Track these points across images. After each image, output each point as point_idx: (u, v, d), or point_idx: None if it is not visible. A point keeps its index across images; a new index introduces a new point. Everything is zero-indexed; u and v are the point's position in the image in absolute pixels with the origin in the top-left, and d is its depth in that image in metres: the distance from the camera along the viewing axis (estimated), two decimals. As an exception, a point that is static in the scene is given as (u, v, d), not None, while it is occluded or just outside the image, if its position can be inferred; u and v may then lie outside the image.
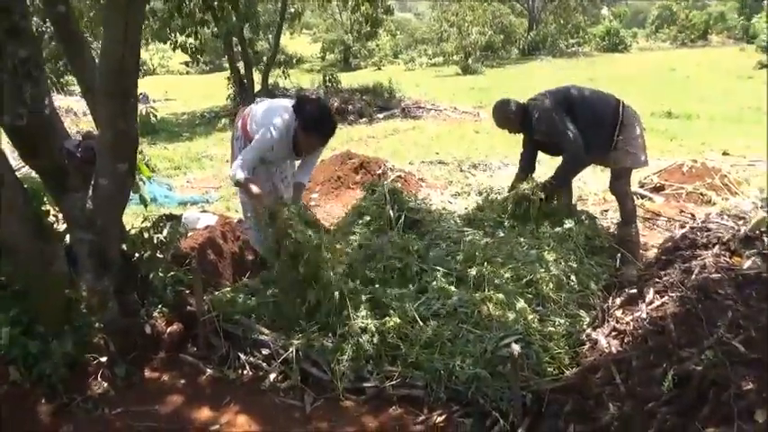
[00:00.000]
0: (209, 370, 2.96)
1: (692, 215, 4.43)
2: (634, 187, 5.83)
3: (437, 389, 2.60)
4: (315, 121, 3.40)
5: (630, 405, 2.19)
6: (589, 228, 4.00)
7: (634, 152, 3.91)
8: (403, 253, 3.42)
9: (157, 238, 3.14)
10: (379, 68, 26.74)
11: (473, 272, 3.27)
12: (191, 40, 11.97)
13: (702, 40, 29.24)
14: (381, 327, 2.84)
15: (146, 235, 3.14)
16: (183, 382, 2.89)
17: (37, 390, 2.60)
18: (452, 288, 3.13)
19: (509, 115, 4.10)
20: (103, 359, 2.81)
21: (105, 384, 2.76)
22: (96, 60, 3.18)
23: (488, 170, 6.93)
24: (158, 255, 3.12)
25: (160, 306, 3.12)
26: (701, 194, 5.36)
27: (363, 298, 3.02)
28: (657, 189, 5.59)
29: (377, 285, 3.17)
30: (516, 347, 2.40)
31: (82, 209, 2.92)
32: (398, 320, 2.84)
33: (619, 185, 4.07)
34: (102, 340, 2.87)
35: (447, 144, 8.86)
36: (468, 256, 3.41)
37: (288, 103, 3.55)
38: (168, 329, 3.07)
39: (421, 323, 2.86)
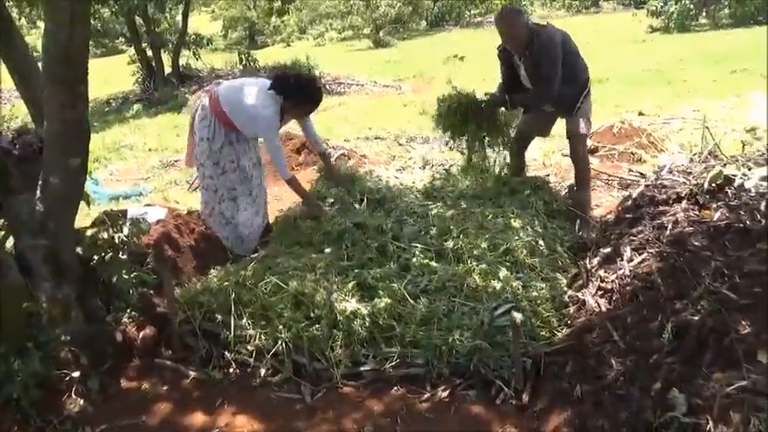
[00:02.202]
0: (191, 372, 2.80)
1: (641, 173, 4.66)
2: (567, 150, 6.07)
3: (438, 365, 2.60)
4: (307, 92, 3.63)
5: (633, 360, 2.28)
6: (546, 193, 4.12)
7: (590, 121, 4.07)
8: (377, 232, 3.36)
9: (118, 237, 2.89)
10: (288, 45, 25.98)
11: (450, 245, 3.27)
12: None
13: (595, 6, 30.63)
14: (372, 309, 2.78)
15: (104, 235, 2.89)
16: (165, 388, 2.72)
17: (6, 416, 2.33)
18: (434, 263, 3.12)
19: (521, 27, 3.77)
20: (75, 374, 2.56)
21: (81, 401, 2.53)
22: (27, 44, 2.86)
23: (426, 143, 6.95)
24: (120, 255, 2.88)
25: (128, 310, 2.90)
26: (632, 153, 5.66)
27: (349, 282, 2.95)
28: (591, 151, 5.82)
29: (356, 270, 3.09)
30: (519, 315, 2.44)
31: (31, 212, 2.63)
32: (389, 301, 2.80)
33: (580, 151, 4.19)
34: (69, 353, 2.62)
35: (378, 119, 8.78)
36: (441, 230, 3.40)
37: (258, 82, 3.67)
38: (141, 334, 2.86)
39: (412, 301, 2.83)
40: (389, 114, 9.13)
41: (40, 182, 2.64)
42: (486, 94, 4.20)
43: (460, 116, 4.10)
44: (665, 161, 5.31)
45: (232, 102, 3.58)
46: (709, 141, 4.69)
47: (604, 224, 3.91)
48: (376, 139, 7.39)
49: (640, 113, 7.94)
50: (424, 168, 5.92)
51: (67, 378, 2.54)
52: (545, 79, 3.83)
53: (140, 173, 6.77)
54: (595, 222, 4.04)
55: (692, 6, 18.34)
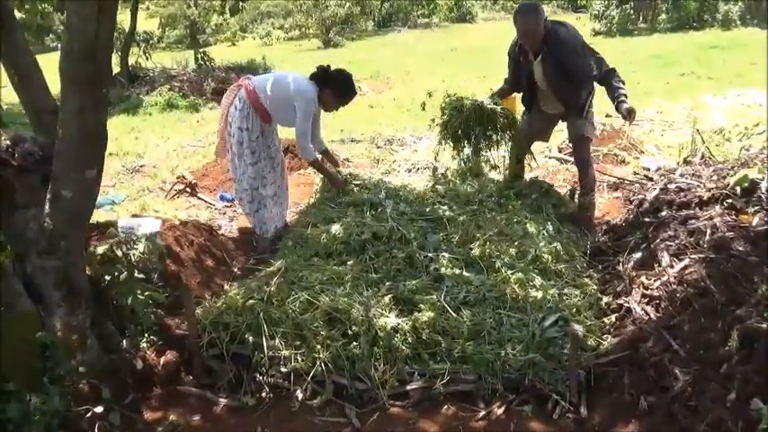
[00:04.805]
0: (221, 399, 2.57)
1: (647, 176, 4.70)
2: (553, 152, 6.11)
3: (492, 380, 2.49)
4: (348, 88, 3.94)
5: (699, 369, 2.24)
6: (553, 197, 4.09)
7: (595, 124, 4.07)
8: (401, 242, 3.23)
9: (133, 255, 2.63)
10: (234, 44, 25.26)
11: (476, 252, 3.17)
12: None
13: (535, 10, 31.43)
14: (414, 324, 2.64)
15: (118, 252, 2.62)
16: (196, 418, 2.49)
17: (25, 463, 2.05)
18: (466, 273, 3.01)
19: (540, 23, 3.59)
20: (98, 409, 2.29)
21: (106, 439, 2.27)
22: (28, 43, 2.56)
23: (405, 145, 6.84)
24: (136, 275, 2.62)
25: (146, 335, 2.64)
26: (615, 155, 5.75)
27: (385, 296, 2.79)
28: (575, 153, 5.87)
29: (387, 282, 2.95)
30: (579, 328, 2.36)
31: (40, 230, 2.34)
32: (432, 314, 2.66)
33: (585, 155, 4.15)
34: (86, 386, 2.35)
35: (347, 121, 8.57)
36: (466, 238, 3.30)
37: (293, 73, 3.94)
38: (162, 360, 2.61)
39: (454, 315, 2.71)
40: (358, 116, 8.95)
41: (48, 195, 2.36)
42: (491, 94, 4.14)
43: (467, 121, 3.99)
44: (649, 163, 5.44)
45: (271, 88, 3.77)
46: (698, 143, 4.83)
47: (612, 228, 3.91)
48: (351, 141, 7.22)
49: (607, 115, 8.12)
50: (410, 171, 5.82)
51: (89, 414, 2.27)
52: (580, 73, 3.71)
53: (105, 180, 6.30)
54: (601, 227, 4.04)
55: (632, 11, 19.10)
